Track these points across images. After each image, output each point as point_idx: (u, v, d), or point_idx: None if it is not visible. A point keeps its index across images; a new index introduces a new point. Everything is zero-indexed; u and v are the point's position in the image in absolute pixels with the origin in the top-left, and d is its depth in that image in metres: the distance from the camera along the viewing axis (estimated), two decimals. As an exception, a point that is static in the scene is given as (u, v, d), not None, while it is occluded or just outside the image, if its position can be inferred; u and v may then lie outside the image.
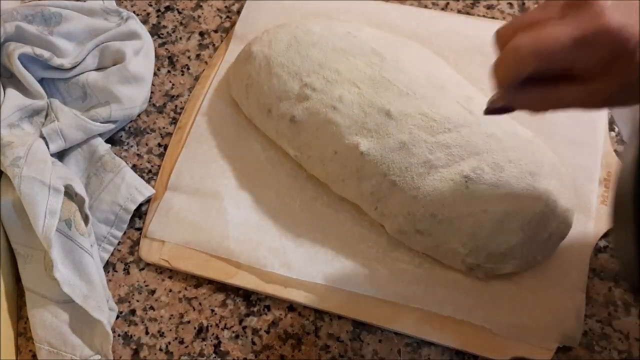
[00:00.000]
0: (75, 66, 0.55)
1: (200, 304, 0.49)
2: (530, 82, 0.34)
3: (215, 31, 0.63)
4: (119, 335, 0.49)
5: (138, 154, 0.56)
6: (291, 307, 0.49)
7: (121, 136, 0.57)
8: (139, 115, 0.58)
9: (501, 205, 0.44)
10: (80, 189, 0.49)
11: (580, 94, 0.34)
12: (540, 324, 0.45)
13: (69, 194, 0.49)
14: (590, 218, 0.49)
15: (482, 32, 0.57)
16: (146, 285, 0.50)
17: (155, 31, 0.63)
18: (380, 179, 0.46)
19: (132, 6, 0.65)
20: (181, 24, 0.63)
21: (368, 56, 0.50)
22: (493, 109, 0.38)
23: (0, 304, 0.48)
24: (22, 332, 0.49)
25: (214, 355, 0.47)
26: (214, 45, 0.62)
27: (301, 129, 0.50)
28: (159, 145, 0.57)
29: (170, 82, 0.60)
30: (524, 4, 0.61)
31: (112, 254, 0.52)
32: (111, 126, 0.55)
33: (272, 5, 0.61)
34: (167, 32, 0.63)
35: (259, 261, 0.49)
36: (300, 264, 0.49)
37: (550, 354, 0.44)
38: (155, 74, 0.60)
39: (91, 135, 0.54)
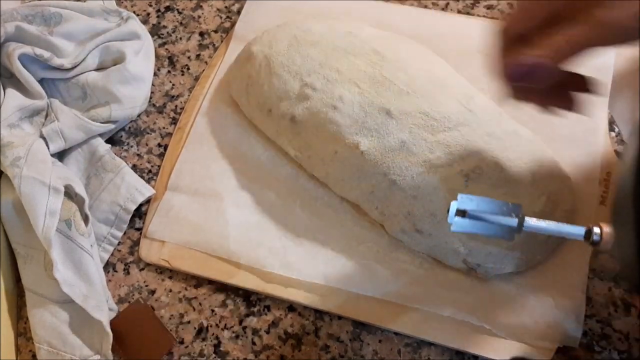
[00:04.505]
0: (75, 66, 0.55)
1: (200, 304, 0.49)
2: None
3: (215, 31, 0.63)
4: (118, 335, 0.49)
5: (138, 154, 0.56)
6: (291, 307, 0.49)
7: (121, 136, 0.57)
8: (139, 116, 0.58)
9: (501, 205, 0.44)
10: (80, 189, 0.49)
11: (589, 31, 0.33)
12: (540, 324, 0.45)
13: (69, 194, 0.49)
14: (590, 218, 0.49)
15: (482, 32, 0.57)
16: (146, 286, 0.50)
17: (155, 31, 0.63)
18: (380, 178, 0.46)
19: (132, 6, 0.65)
20: (181, 24, 0.63)
21: (368, 55, 0.50)
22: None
23: (0, 304, 0.48)
24: (22, 332, 0.49)
25: (214, 355, 0.47)
26: (214, 45, 0.62)
27: (301, 128, 0.50)
28: (159, 145, 0.57)
29: (170, 82, 0.60)
30: (523, 4, 0.61)
31: (112, 254, 0.52)
32: (111, 126, 0.55)
33: (272, 5, 0.61)
34: (167, 32, 0.63)
35: (259, 261, 0.49)
36: (300, 264, 0.49)
37: (550, 354, 0.44)
38: (155, 74, 0.60)
39: (91, 136, 0.54)
